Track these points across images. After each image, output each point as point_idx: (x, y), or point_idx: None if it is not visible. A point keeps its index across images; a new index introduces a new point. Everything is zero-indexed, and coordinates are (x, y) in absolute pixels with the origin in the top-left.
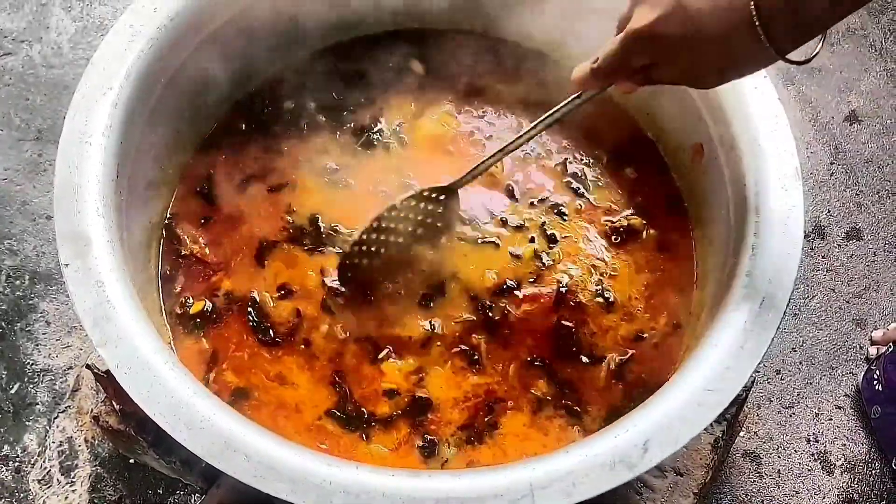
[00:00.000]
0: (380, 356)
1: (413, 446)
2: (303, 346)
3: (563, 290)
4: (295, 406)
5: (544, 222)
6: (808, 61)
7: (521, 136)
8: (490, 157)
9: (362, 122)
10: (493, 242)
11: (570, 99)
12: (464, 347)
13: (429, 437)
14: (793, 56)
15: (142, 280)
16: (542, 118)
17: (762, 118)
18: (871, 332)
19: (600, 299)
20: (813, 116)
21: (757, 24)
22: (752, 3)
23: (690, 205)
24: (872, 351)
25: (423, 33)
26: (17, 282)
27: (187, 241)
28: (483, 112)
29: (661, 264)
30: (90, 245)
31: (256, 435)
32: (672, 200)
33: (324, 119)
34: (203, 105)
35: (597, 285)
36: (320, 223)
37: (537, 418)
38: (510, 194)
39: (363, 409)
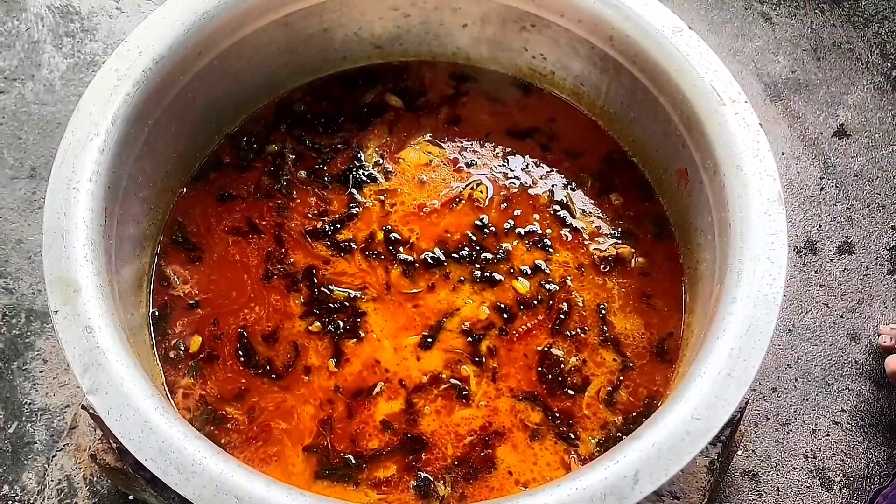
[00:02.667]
0: (374, 392)
1: (407, 486)
2: (297, 381)
3: (554, 321)
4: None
5: (531, 253)
6: None
7: None
8: None
9: (345, 160)
10: (483, 277)
11: None
12: (456, 382)
13: (423, 476)
14: None
15: (133, 322)
16: None
17: (744, 143)
18: (877, 333)
19: (590, 329)
20: (801, 132)
21: None
22: None
23: (677, 230)
24: (885, 339)
25: (399, 67)
26: (14, 320)
27: (177, 282)
28: (467, 140)
29: (650, 290)
30: (79, 291)
31: (247, 477)
32: (659, 225)
33: (307, 162)
34: (190, 144)
35: (586, 314)
36: (314, 276)
37: (533, 449)
38: (495, 225)
39: (349, 455)
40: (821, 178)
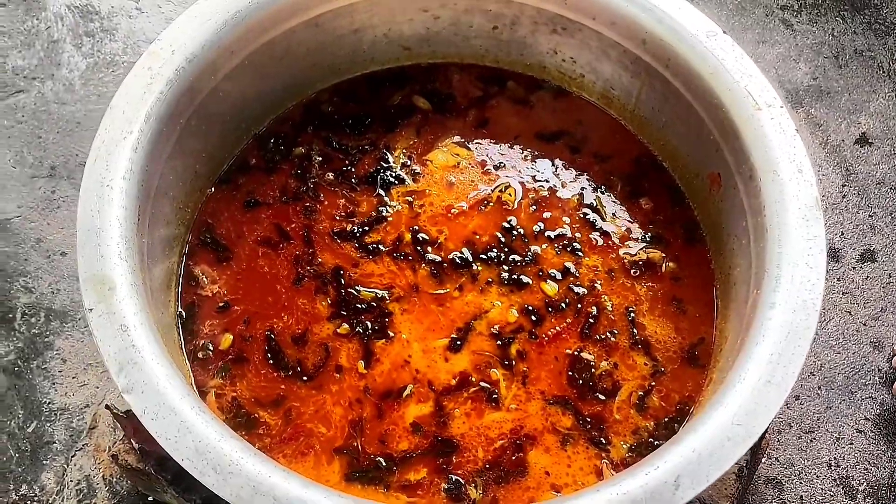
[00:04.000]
0: (404, 394)
1: (438, 490)
2: (328, 382)
3: (583, 324)
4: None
5: (560, 256)
6: None
7: None
8: None
9: (372, 161)
10: (511, 279)
11: None
12: (486, 385)
13: (454, 479)
14: None
15: (163, 321)
16: None
17: (780, 148)
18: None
19: (620, 333)
20: (823, 139)
21: None
22: None
23: (709, 235)
24: None
25: (427, 69)
26: (33, 319)
27: (206, 282)
28: (495, 143)
29: (681, 295)
30: (114, 289)
31: (284, 478)
32: (690, 230)
33: (334, 163)
34: (219, 144)
35: (616, 319)
36: (341, 278)
37: (566, 451)
38: (523, 228)
39: (379, 458)
40: (843, 186)
